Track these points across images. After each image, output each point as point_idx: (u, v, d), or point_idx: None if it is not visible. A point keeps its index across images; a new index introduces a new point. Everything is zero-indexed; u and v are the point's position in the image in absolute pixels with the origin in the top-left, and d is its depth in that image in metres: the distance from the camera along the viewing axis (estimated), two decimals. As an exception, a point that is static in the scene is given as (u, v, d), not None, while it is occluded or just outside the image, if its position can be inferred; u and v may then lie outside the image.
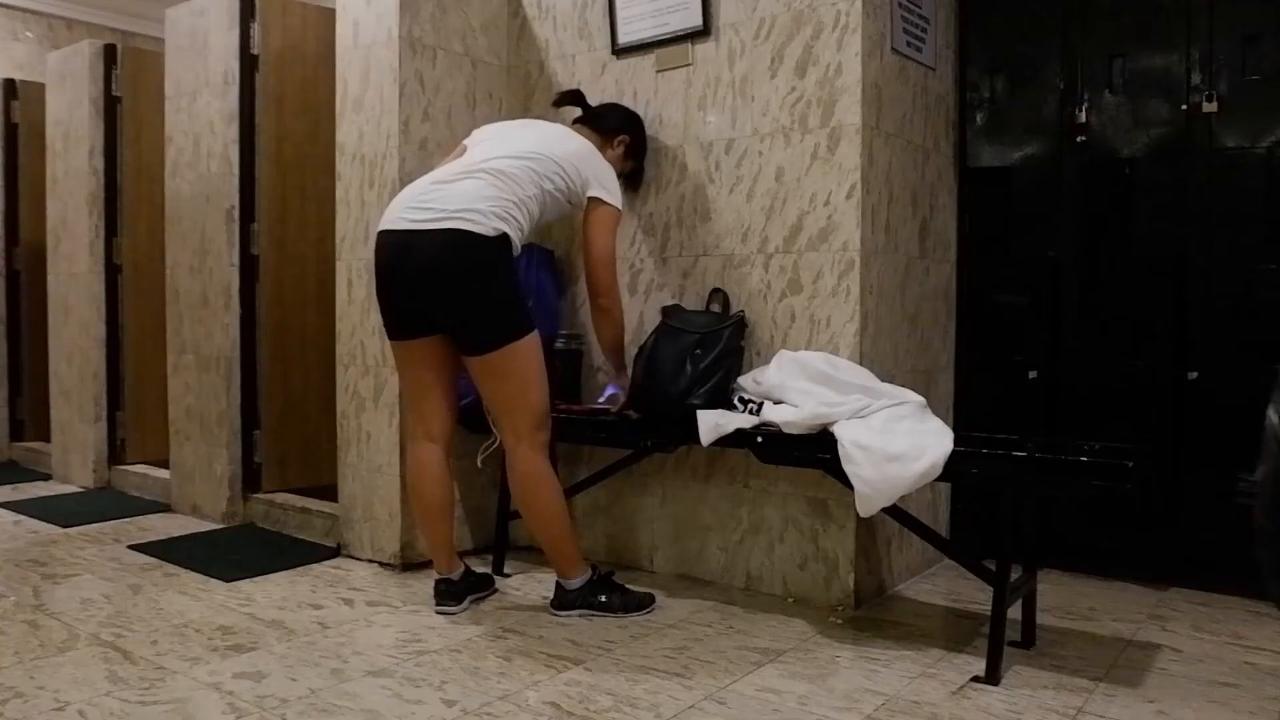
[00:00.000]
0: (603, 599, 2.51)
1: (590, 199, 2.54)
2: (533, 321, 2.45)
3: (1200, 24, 2.72)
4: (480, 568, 2.77)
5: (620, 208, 2.58)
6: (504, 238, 2.35)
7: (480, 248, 2.33)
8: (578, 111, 2.80)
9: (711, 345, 2.55)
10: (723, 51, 2.78)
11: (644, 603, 2.55)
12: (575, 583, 2.52)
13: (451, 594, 2.57)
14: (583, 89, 2.87)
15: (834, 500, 2.60)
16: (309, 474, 3.74)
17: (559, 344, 2.93)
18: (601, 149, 2.66)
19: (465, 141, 2.59)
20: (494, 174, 2.39)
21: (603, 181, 2.55)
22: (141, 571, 2.96)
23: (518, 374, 2.41)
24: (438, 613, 2.54)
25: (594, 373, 3.05)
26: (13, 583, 2.81)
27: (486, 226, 2.33)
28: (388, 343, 2.95)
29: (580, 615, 2.50)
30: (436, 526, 2.57)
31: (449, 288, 2.36)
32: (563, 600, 2.52)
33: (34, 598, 2.67)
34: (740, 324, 2.65)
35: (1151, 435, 2.72)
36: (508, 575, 2.86)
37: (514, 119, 2.97)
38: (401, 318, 2.46)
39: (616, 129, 2.75)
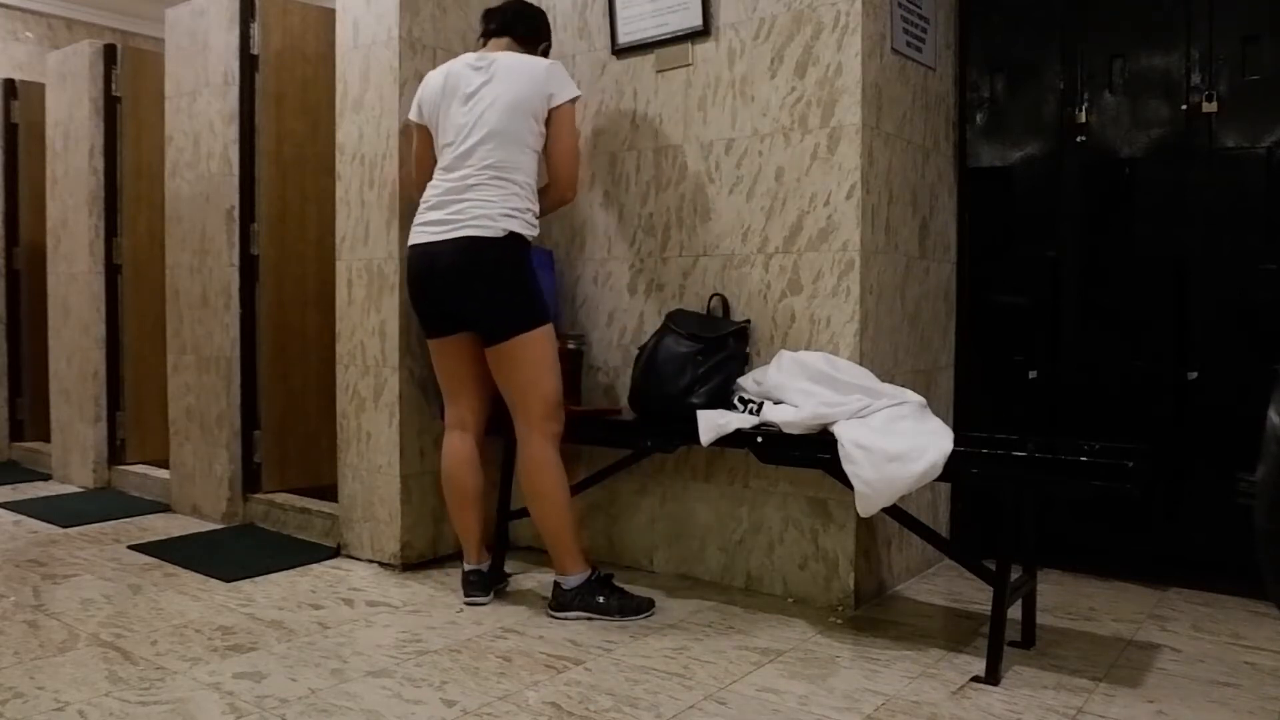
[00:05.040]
0: (600, 600, 2.50)
1: (553, 110, 2.57)
2: (549, 315, 2.57)
3: (1200, 24, 2.72)
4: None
5: (579, 91, 2.62)
6: (512, 236, 2.50)
7: (491, 249, 2.48)
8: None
9: (714, 353, 2.57)
10: (723, 51, 2.78)
11: (642, 607, 2.53)
12: (573, 580, 2.51)
13: (481, 585, 2.63)
14: (582, 89, 2.87)
15: (834, 500, 2.60)
16: (309, 474, 3.74)
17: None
18: None
19: (440, 123, 2.59)
20: (494, 170, 2.51)
21: (557, 85, 2.57)
22: (141, 571, 2.96)
23: (530, 362, 2.51)
24: (466, 603, 2.60)
25: (594, 373, 3.05)
26: (13, 583, 2.82)
27: (495, 229, 2.48)
28: (388, 342, 3.00)
29: (577, 617, 2.49)
30: (467, 515, 2.65)
31: (468, 287, 2.50)
32: (561, 600, 2.51)
33: (34, 598, 2.67)
34: (743, 332, 2.65)
35: (1151, 435, 2.72)
36: (508, 575, 2.86)
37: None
38: (435, 319, 2.60)
39: (536, 38, 2.71)
